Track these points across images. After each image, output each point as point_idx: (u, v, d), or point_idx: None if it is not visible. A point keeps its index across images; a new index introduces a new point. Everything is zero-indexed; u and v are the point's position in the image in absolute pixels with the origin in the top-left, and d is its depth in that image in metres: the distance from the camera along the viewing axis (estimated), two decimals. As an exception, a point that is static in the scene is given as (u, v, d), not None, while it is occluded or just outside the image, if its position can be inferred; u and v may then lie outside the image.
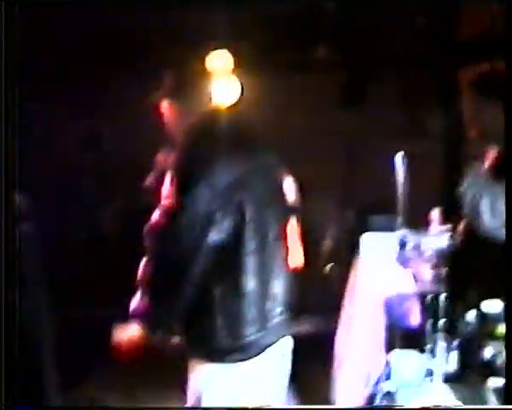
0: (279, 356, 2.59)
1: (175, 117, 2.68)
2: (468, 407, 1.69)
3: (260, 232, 2.49)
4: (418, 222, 3.35)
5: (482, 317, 2.44)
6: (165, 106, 2.67)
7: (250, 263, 2.45)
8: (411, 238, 3.37)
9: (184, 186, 2.40)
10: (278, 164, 2.69)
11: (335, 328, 3.52)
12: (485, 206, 2.93)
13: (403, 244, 3.38)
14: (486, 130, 3.06)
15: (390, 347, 2.88)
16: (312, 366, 3.68)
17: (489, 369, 2.19)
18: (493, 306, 2.48)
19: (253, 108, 2.79)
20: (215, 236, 2.38)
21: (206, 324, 2.48)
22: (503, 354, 2.21)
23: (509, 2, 2.17)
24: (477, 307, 2.49)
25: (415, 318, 3.13)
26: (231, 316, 2.47)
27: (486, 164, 3.04)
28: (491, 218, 2.92)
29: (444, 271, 3.08)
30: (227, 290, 2.46)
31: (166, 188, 2.53)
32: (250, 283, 2.46)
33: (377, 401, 2.40)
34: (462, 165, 3.20)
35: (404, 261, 3.30)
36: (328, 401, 3.26)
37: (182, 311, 2.45)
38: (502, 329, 2.38)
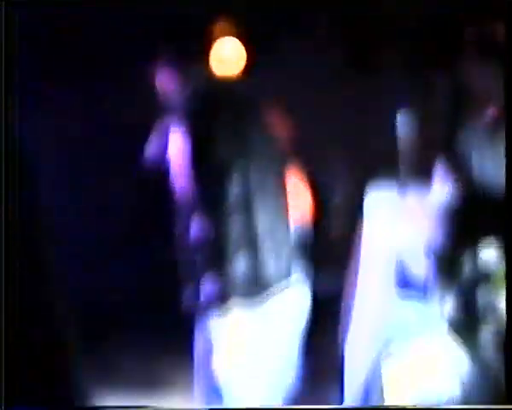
0: (292, 306, 2.66)
1: (175, 85, 2.72)
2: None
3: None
4: (422, 179, 3.40)
5: (481, 265, 2.49)
6: (164, 74, 2.71)
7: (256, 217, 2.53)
8: (415, 194, 3.43)
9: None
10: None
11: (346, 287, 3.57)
12: (478, 158, 3.00)
13: (407, 201, 3.44)
14: (485, 89, 3.11)
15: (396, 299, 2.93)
16: (324, 324, 3.74)
17: (487, 313, 2.24)
18: (491, 254, 2.53)
19: (254, 75, 2.83)
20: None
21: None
22: (503, 298, 2.27)
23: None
24: (476, 255, 2.53)
25: (421, 270, 3.18)
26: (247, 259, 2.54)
27: (484, 121, 3.10)
28: (485, 169, 3.00)
29: (446, 224, 3.13)
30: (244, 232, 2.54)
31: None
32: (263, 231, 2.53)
33: (382, 355, 2.46)
34: (464, 123, 3.23)
35: (408, 217, 3.36)
36: (337, 361, 3.32)
37: None
38: (500, 275, 2.44)
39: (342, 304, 3.52)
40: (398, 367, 2.23)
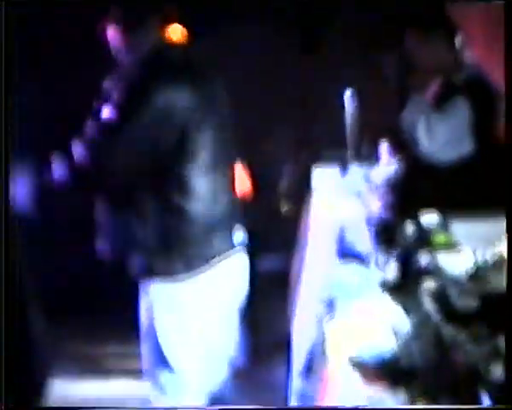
0: (230, 278, 2.67)
1: (124, 45, 2.67)
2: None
3: (206, 159, 2.59)
4: (368, 154, 3.48)
5: (420, 229, 2.56)
6: (113, 32, 2.66)
7: (196, 184, 2.54)
8: (361, 170, 3.51)
9: (131, 108, 2.49)
10: (227, 99, 2.78)
11: (292, 263, 3.63)
12: (421, 130, 3.10)
13: (353, 177, 3.52)
14: (430, 62, 3.20)
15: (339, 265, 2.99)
16: (270, 297, 3.79)
17: (424, 274, 2.30)
18: (431, 218, 2.60)
19: (205, 48, 2.83)
20: (158, 153, 2.49)
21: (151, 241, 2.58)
22: (438, 260, 2.35)
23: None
24: (416, 221, 2.60)
25: (365, 243, 3.24)
26: (176, 233, 2.55)
27: (429, 94, 3.19)
28: (428, 141, 3.09)
29: (391, 197, 3.21)
30: (172, 208, 2.55)
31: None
32: (197, 203, 2.55)
33: (325, 318, 2.50)
34: (408, 99, 3.31)
35: (354, 193, 3.43)
36: (283, 335, 3.36)
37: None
38: (438, 238, 2.51)
39: (290, 276, 3.58)
40: (340, 327, 2.27)
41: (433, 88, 3.25)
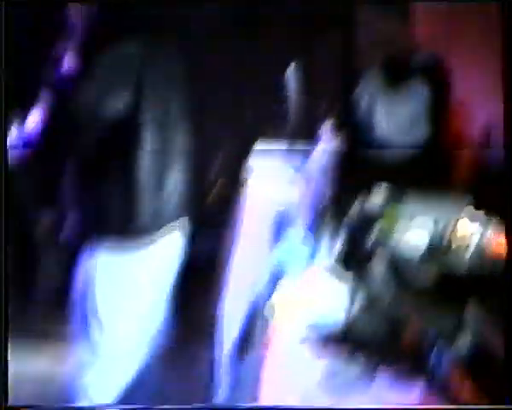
0: (164, 256, 2.60)
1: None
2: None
3: (158, 119, 2.48)
4: (309, 136, 3.38)
5: (365, 212, 2.49)
6: None
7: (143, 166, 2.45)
8: (302, 153, 3.41)
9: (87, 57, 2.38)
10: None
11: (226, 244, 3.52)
12: (380, 112, 3.03)
13: (292, 161, 3.42)
14: (382, 38, 3.13)
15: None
16: (201, 280, 3.67)
17: (370, 254, 2.24)
18: (375, 201, 2.53)
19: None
20: (111, 109, 2.37)
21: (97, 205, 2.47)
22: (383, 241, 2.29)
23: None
24: (364, 201, 2.53)
25: (303, 228, 3.15)
26: (123, 204, 2.47)
27: (382, 71, 3.13)
28: (387, 123, 3.03)
29: (335, 177, 3.13)
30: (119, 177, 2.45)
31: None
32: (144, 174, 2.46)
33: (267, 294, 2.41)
34: (358, 76, 3.25)
35: (295, 172, 3.34)
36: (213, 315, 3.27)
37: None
38: (382, 223, 2.44)
39: (223, 257, 3.47)
40: (286, 300, 2.18)
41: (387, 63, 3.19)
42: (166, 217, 2.60)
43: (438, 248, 2.20)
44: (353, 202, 2.55)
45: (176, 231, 2.65)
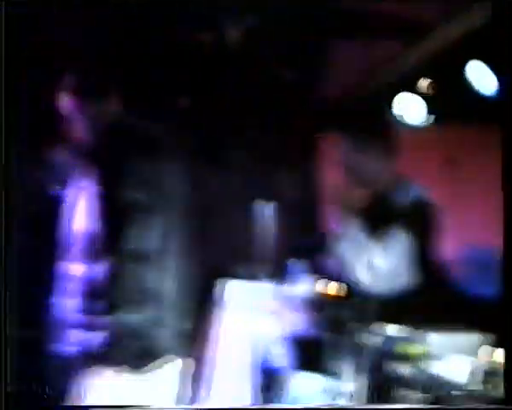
0: None
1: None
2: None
3: None
4: (281, 271, 3.48)
5: (388, 340, 2.57)
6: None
7: None
8: (275, 287, 3.49)
9: None
10: None
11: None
12: (362, 266, 3.05)
13: (268, 292, 3.48)
14: (359, 177, 3.22)
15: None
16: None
17: (409, 386, 2.29)
18: (395, 329, 2.62)
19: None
20: None
21: None
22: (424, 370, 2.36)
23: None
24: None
25: (284, 361, 3.20)
26: None
27: (359, 213, 3.20)
28: (369, 276, 3.04)
29: (313, 315, 3.21)
30: None
31: None
32: None
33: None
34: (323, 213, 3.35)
35: (269, 309, 3.39)
36: None
37: None
38: (413, 349, 2.53)
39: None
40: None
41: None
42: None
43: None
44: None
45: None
